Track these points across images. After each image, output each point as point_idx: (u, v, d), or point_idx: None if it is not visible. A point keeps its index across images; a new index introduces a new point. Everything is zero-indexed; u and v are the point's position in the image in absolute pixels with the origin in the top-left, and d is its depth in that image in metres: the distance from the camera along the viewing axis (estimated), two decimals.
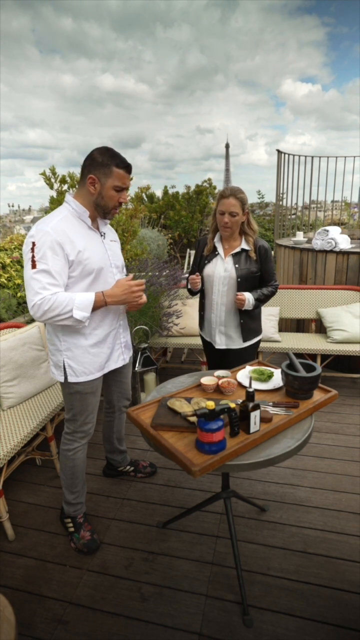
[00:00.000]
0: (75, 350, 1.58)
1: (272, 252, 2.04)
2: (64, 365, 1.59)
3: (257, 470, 2.15)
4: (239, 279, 1.96)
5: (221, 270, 1.99)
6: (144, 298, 1.62)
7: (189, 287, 2.05)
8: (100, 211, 1.55)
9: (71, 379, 1.60)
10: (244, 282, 1.97)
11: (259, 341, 2.18)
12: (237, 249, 1.98)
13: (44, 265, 1.40)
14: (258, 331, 2.14)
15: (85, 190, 1.51)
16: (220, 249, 2.01)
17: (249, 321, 2.05)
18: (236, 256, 1.98)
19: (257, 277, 2.02)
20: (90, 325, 1.58)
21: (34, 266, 1.40)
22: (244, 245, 1.98)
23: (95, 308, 1.48)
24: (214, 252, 2.03)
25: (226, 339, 2.08)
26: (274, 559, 1.67)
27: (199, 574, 1.61)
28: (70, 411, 1.69)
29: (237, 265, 1.96)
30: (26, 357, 2.23)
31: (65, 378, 1.60)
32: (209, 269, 2.02)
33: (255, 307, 2.01)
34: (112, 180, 1.48)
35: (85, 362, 1.60)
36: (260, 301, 2.01)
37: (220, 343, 2.09)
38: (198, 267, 2.09)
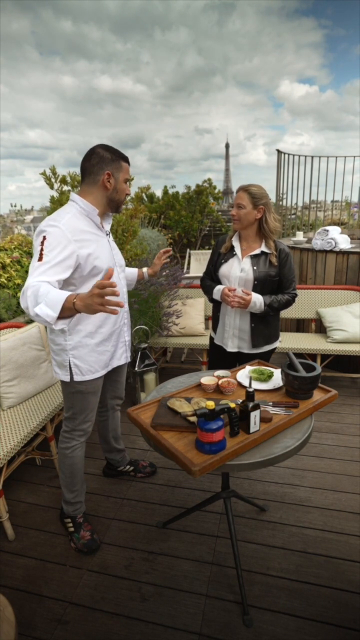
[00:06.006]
0: (81, 349, 1.57)
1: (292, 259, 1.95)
2: (69, 365, 1.58)
3: (257, 470, 2.15)
4: (255, 282, 1.88)
5: (237, 270, 1.92)
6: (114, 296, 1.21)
7: (216, 298, 1.98)
8: (114, 206, 1.60)
9: (77, 377, 1.59)
10: (261, 286, 1.89)
11: (273, 350, 2.07)
12: (257, 251, 1.90)
13: (48, 258, 1.37)
14: (271, 339, 2.02)
15: (99, 187, 1.52)
16: (237, 249, 1.94)
17: (260, 326, 1.95)
18: (255, 258, 1.90)
19: (276, 281, 1.92)
20: (95, 323, 1.58)
21: (40, 258, 1.37)
22: (264, 248, 1.90)
23: (65, 309, 1.23)
24: (231, 252, 1.97)
25: (238, 341, 2.01)
26: (273, 558, 1.67)
27: (199, 574, 1.61)
28: (70, 410, 1.69)
29: (255, 267, 1.88)
30: (26, 357, 2.23)
31: (71, 377, 1.59)
32: (224, 269, 1.97)
33: (266, 313, 1.90)
34: (122, 174, 1.56)
35: (92, 360, 1.61)
36: (273, 308, 1.89)
37: (233, 346, 2.02)
38: (214, 266, 2.04)
